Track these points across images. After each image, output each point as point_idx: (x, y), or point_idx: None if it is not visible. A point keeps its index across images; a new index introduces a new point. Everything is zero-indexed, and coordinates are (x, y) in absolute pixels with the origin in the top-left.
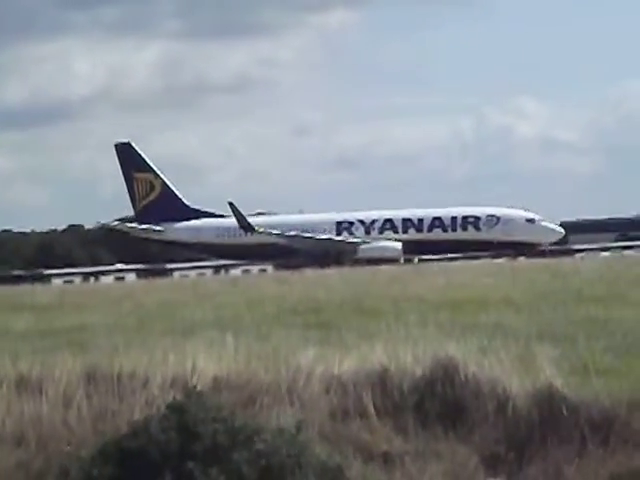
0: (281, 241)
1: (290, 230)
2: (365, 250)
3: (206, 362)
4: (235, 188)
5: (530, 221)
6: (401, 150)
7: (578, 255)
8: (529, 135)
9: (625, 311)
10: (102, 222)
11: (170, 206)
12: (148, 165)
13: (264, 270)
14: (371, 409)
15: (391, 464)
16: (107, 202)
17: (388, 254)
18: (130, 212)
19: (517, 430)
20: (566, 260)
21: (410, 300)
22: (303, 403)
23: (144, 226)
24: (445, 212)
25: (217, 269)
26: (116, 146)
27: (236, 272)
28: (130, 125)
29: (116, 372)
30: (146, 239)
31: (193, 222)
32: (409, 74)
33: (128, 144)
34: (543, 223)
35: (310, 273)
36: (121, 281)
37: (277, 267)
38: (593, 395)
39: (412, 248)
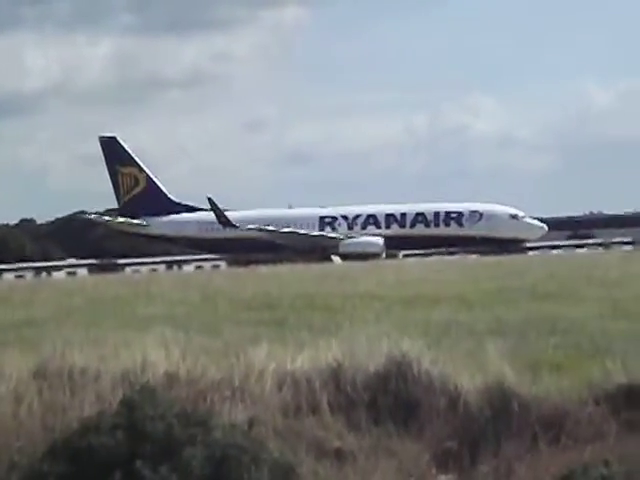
0: (264, 236)
1: (273, 225)
2: (347, 245)
3: (158, 358)
4: (189, 183)
5: (514, 217)
6: (355, 146)
7: (531, 252)
8: (485, 132)
9: (576, 308)
10: (88, 214)
11: (154, 200)
12: (133, 159)
13: (217, 266)
14: (324, 405)
15: (343, 460)
16: (59, 197)
17: (370, 249)
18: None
19: (469, 427)
20: (519, 257)
21: (362, 297)
22: (255, 400)
23: (134, 221)
24: (428, 208)
25: (170, 265)
26: (101, 140)
27: (189, 268)
28: (83, 120)
29: (67, 367)
30: (132, 234)
31: (177, 216)
32: (363, 70)
33: (113, 138)
34: (526, 219)
35: (263, 269)
36: (73, 276)
37: (230, 263)
38: (544, 392)
39: (395, 243)
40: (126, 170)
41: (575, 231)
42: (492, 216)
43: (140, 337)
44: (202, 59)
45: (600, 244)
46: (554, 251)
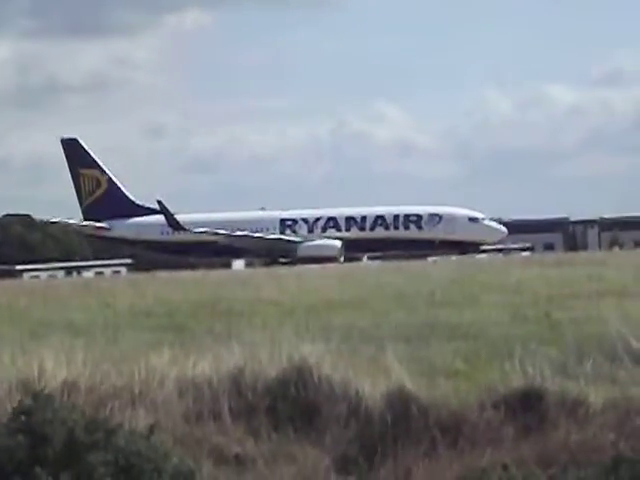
0: (221, 239)
1: (232, 228)
2: (304, 248)
3: (55, 365)
4: None
5: (473, 220)
6: (258, 153)
7: (430, 259)
8: (387, 139)
9: (476, 314)
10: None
11: (116, 203)
12: (94, 161)
13: (118, 272)
14: (225, 411)
15: (243, 466)
16: None
17: (327, 252)
18: None
19: (369, 432)
20: (418, 263)
21: (264, 303)
22: (156, 406)
23: (98, 224)
24: (388, 210)
25: (69, 271)
26: (62, 141)
27: (89, 274)
28: None
29: None
30: (92, 236)
31: (138, 219)
32: (265, 77)
33: (75, 140)
34: (486, 222)
35: (163, 275)
36: None
37: (130, 269)
38: (443, 397)
39: (355, 246)
40: (88, 172)
41: None
42: (451, 219)
43: (38, 344)
44: (103, 64)
45: (499, 250)
46: (454, 257)
